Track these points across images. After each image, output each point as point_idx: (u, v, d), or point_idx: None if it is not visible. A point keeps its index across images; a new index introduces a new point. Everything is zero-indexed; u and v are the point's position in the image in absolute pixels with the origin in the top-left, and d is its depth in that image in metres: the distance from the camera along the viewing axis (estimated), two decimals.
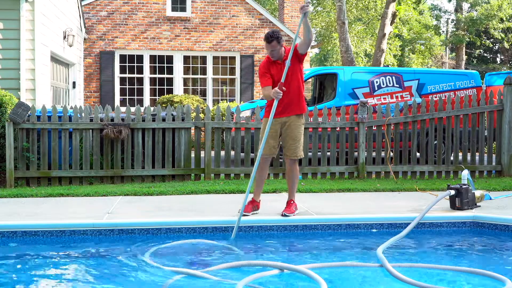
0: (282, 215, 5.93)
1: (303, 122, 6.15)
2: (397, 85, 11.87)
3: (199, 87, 17.66)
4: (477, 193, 6.64)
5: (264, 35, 5.94)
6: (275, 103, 5.78)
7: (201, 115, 10.63)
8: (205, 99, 17.45)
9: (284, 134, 6.06)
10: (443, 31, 39.03)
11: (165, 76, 17.48)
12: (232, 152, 10.85)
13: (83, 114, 8.48)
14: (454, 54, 36.72)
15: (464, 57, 34.53)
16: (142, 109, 12.94)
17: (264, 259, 4.90)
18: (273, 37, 5.84)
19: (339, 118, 9.36)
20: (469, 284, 4.33)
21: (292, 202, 6.10)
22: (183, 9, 17.51)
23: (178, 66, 17.48)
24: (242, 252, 5.22)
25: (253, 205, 6.07)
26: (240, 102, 16.94)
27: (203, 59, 17.65)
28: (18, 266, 4.76)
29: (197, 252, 5.23)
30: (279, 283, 4.31)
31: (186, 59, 17.65)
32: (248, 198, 5.91)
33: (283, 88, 5.76)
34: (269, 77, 5.97)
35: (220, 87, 17.81)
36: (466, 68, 33.86)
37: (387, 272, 4.38)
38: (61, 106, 11.67)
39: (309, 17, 29.55)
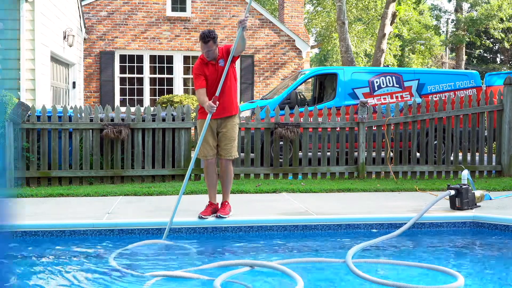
0: (216, 217, 5.84)
1: (238, 122, 6.11)
2: (397, 85, 11.87)
3: None
4: (477, 193, 6.64)
5: (200, 34, 5.79)
6: (209, 116, 5.72)
7: None
8: None
9: (220, 134, 6.00)
10: (443, 31, 39.04)
11: (165, 76, 17.48)
12: None
13: (83, 114, 8.48)
14: (454, 54, 36.70)
15: (464, 57, 34.52)
16: (142, 109, 12.94)
17: (263, 259, 4.89)
18: (209, 37, 5.71)
19: (339, 118, 9.36)
20: (428, 278, 4.43)
21: (226, 203, 6.02)
22: (183, 9, 17.51)
23: (178, 66, 17.48)
24: (240, 252, 5.23)
25: (212, 208, 5.98)
26: (240, 102, 16.92)
27: None
28: (18, 266, 4.75)
29: (207, 252, 5.23)
30: (254, 278, 4.35)
31: (186, 59, 17.65)
32: (206, 202, 5.85)
33: (217, 102, 5.68)
34: (203, 79, 5.84)
35: None
36: (466, 68, 33.86)
37: (347, 268, 4.50)
38: (61, 106, 11.67)
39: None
